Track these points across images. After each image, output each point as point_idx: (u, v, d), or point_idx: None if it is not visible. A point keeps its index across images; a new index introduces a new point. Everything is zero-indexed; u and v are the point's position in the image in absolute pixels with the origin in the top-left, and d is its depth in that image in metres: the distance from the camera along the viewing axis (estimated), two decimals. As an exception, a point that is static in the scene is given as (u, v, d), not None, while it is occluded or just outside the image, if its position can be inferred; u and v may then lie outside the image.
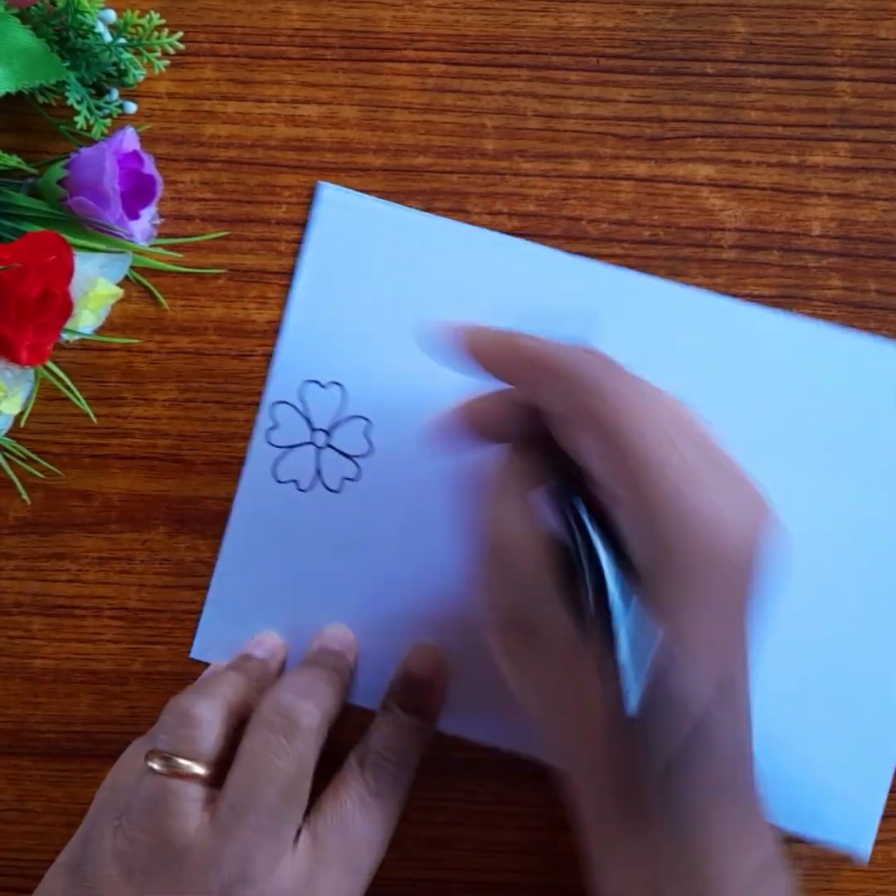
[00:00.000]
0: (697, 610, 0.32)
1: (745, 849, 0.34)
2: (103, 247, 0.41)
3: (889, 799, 0.44)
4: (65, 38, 0.41)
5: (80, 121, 0.42)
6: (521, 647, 0.35)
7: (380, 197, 0.45)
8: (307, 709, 0.37)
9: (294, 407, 0.44)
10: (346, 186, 0.45)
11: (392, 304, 0.44)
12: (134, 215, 0.41)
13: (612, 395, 0.32)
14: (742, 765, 0.34)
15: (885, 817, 0.43)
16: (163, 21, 0.43)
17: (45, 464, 0.43)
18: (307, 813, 0.37)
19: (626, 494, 0.32)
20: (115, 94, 0.44)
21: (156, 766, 0.36)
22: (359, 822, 0.37)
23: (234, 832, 0.35)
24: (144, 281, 0.44)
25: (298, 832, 0.36)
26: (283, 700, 0.37)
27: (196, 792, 0.36)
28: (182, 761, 0.36)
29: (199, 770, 0.36)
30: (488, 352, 0.35)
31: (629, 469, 0.31)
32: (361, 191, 0.45)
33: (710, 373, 0.43)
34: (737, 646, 0.33)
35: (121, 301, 0.43)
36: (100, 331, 0.43)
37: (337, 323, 0.44)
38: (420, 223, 0.44)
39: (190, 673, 0.43)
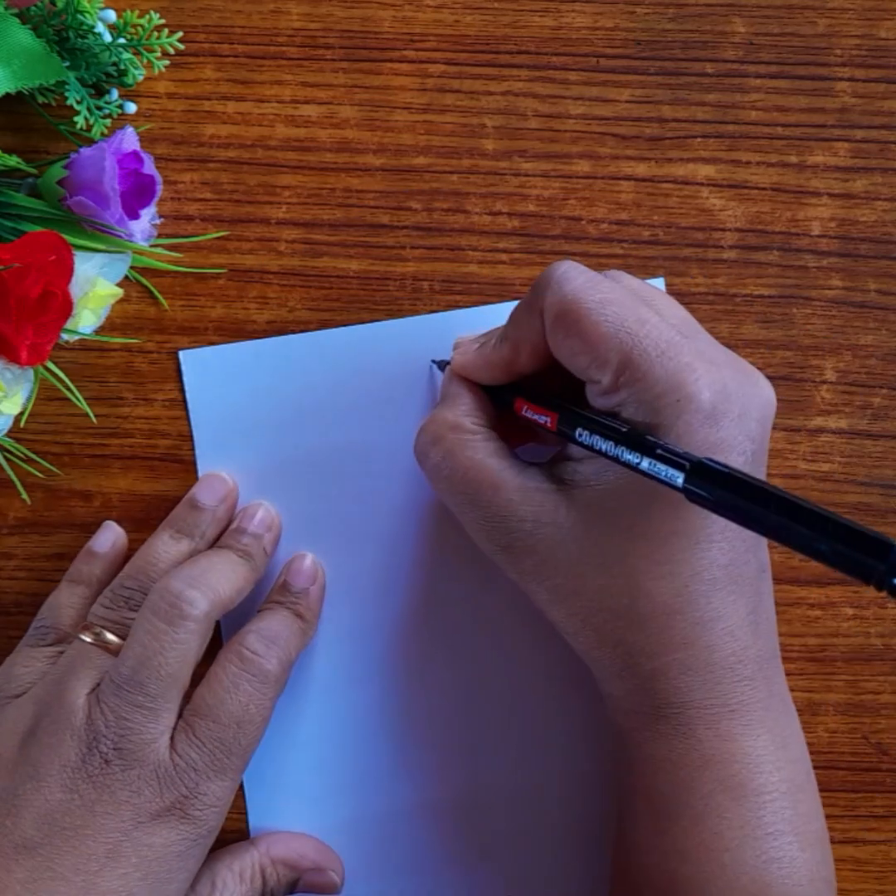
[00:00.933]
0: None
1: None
2: (103, 247, 0.41)
3: (889, 799, 0.44)
4: (64, 38, 0.41)
5: (79, 121, 0.42)
6: (519, 552, 0.38)
7: (379, 197, 0.45)
8: (193, 598, 0.38)
9: None
10: (345, 187, 0.45)
11: (285, 420, 0.44)
12: (134, 215, 0.41)
13: (571, 297, 0.36)
14: None
15: (884, 818, 0.43)
16: (162, 21, 0.43)
17: (45, 464, 0.43)
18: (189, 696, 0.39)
19: (607, 376, 0.36)
20: (114, 94, 0.44)
21: (85, 638, 0.39)
22: (228, 704, 0.38)
23: (111, 704, 0.37)
24: (144, 281, 0.44)
25: (180, 713, 0.38)
26: (172, 587, 0.39)
27: (102, 663, 0.39)
28: (110, 636, 0.39)
29: (118, 640, 0.39)
30: (482, 363, 0.40)
31: (600, 357, 0.36)
32: (361, 191, 0.45)
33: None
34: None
35: (121, 301, 0.43)
36: (100, 331, 0.43)
37: (246, 459, 0.44)
38: (268, 349, 0.44)
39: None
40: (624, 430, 0.35)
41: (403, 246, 0.45)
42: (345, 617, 0.44)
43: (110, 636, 0.39)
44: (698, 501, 0.33)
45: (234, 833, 0.43)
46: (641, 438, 0.34)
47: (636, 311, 0.36)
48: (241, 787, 0.43)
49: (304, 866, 0.42)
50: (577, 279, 0.36)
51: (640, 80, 0.45)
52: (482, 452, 0.38)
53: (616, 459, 0.35)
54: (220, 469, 0.44)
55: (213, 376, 0.44)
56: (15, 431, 0.43)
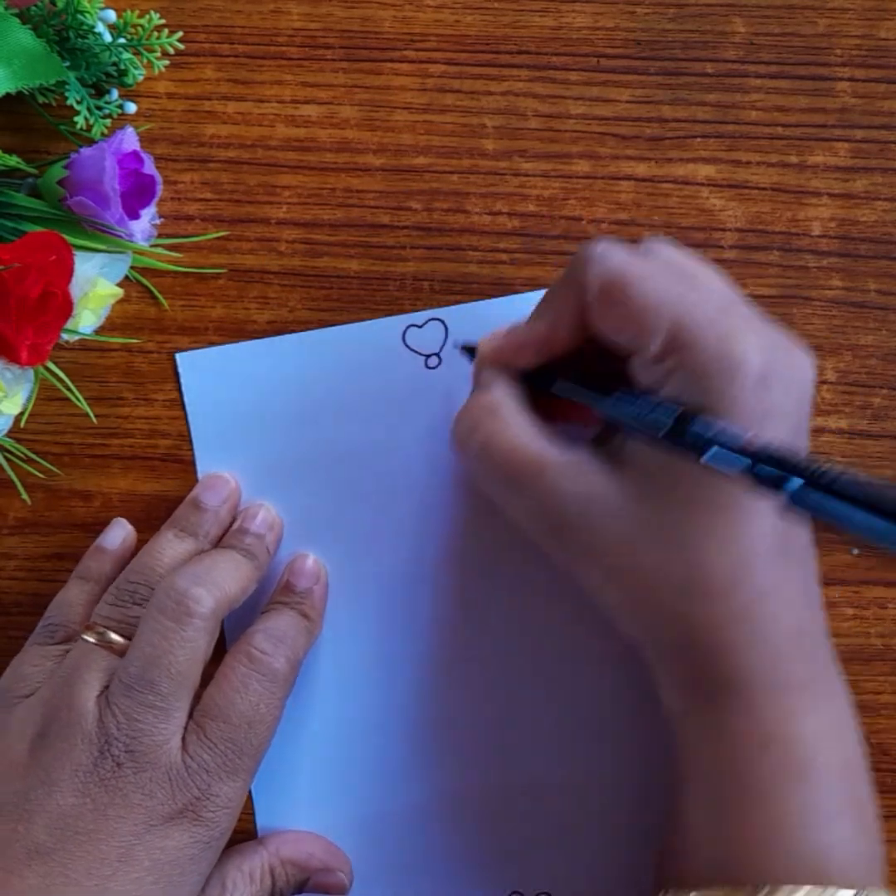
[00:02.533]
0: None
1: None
2: (103, 247, 0.41)
3: (889, 799, 0.44)
4: (65, 38, 0.41)
5: (79, 121, 0.42)
6: (568, 533, 0.37)
7: (379, 197, 0.45)
8: (199, 596, 0.38)
9: None
10: (345, 187, 0.45)
11: (284, 420, 0.44)
12: (134, 215, 0.41)
13: (618, 275, 0.36)
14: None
15: (885, 818, 0.43)
16: (162, 21, 0.43)
17: (45, 464, 0.43)
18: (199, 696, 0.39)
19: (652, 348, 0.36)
20: (114, 94, 0.44)
21: (89, 638, 0.39)
22: (238, 705, 0.38)
23: (122, 706, 0.37)
24: (144, 281, 0.44)
25: (190, 714, 0.38)
26: (178, 585, 0.38)
27: (109, 663, 0.38)
28: (114, 636, 0.39)
29: (122, 640, 0.39)
30: (515, 345, 0.40)
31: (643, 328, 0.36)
32: (361, 191, 0.45)
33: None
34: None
35: (121, 301, 0.43)
36: (100, 331, 0.43)
37: (246, 460, 0.44)
38: (266, 349, 0.44)
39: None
40: (672, 421, 0.35)
41: (403, 246, 0.45)
42: (348, 616, 0.44)
43: (114, 636, 0.39)
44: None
45: (241, 833, 0.43)
46: (689, 429, 0.35)
47: (680, 282, 0.36)
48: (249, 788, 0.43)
49: (313, 866, 0.42)
50: (618, 254, 0.37)
51: (640, 80, 0.45)
52: (523, 435, 0.38)
53: (671, 444, 0.35)
54: (219, 470, 0.44)
55: (211, 378, 0.44)
56: (15, 431, 0.43)
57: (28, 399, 0.42)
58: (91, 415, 0.44)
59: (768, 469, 0.33)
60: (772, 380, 0.35)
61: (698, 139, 0.45)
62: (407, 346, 0.44)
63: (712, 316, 0.36)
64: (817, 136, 0.45)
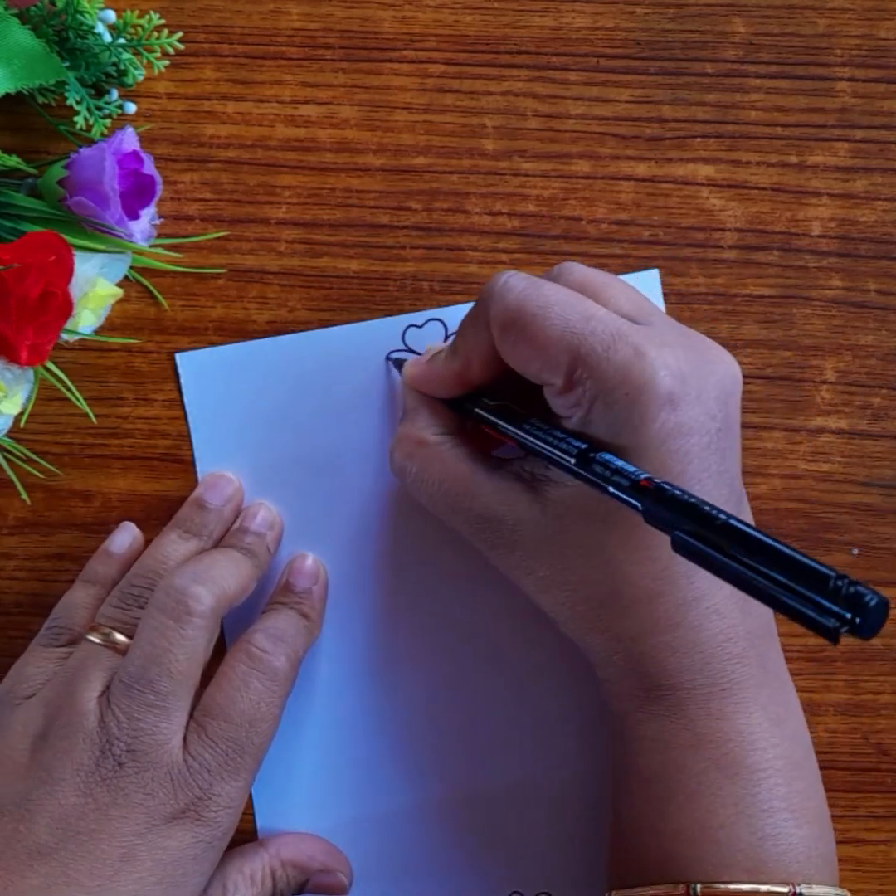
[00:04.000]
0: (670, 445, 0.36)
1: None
2: (103, 247, 0.41)
3: (889, 799, 0.44)
4: (64, 38, 0.41)
5: (79, 121, 0.42)
6: (503, 550, 0.39)
7: (379, 197, 0.45)
8: (198, 594, 0.38)
9: None
10: (345, 187, 0.45)
11: (290, 419, 0.44)
12: (133, 215, 0.41)
13: (519, 308, 0.37)
14: None
15: (884, 818, 0.43)
16: (162, 21, 0.43)
17: (44, 464, 0.43)
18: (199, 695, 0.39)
19: (558, 380, 0.36)
20: (114, 94, 0.43)
21: (94, 639, 0.39)
22: (239, 703, 0.38)
23: (123, 706, 0.37)
24: (144, 281, 0.44)
25: (191, 713, 0.38)
26: (177, 584, 0.39)
27: (112, 663, 0.38)
28: (119, 636, 0.39)
29: (127, 641, 0.39)
30: (433, 376, 0.41)
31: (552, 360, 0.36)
32: (361, 191, 0.45)
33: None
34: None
35: (121, 301, 0.43)
36: (100, 331, 0.43)
37: (245, 459, 0.44)
38: (265, 349, 0.44)
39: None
40: (575, 453, 0.36)
41: (403, 246, 0.45)
42: (347, 616, 0.44)
43: (119, 636, 0.39)
44: (655, 525, 0.33)
45: (242, 834, 0.43)
46: (591, 466, 0.35)
47: (580, 308, 0.36)
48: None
49: (313, 868, 0.42)
50: (517, 286, 0.37)
51: (640, 80, 0.45)
52: (452, 461, 0.39)
53: (578, 476, 0.36)
54: (219, 469, 0.44)
55: (211, 378, 0.44)
56: (15, 431, 0.43)
57: (28, 399, 0.42)
58: (91, 415, 0.44)
59: (659, 511, 0.32)
60: (679, 398, 0.35)
61: (698, 139, 0.45)
62: (406, 346, 0.44)
63: (611, 341, 0.35)
64: (817, 136, 0.45)
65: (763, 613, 0.38)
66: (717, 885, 0.35)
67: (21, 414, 0.42)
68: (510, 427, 0.39)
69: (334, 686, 0.43)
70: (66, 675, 0.39)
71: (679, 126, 0.45)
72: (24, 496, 0.44)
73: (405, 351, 0.44)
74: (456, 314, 0.44)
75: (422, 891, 0.43)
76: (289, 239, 0.45)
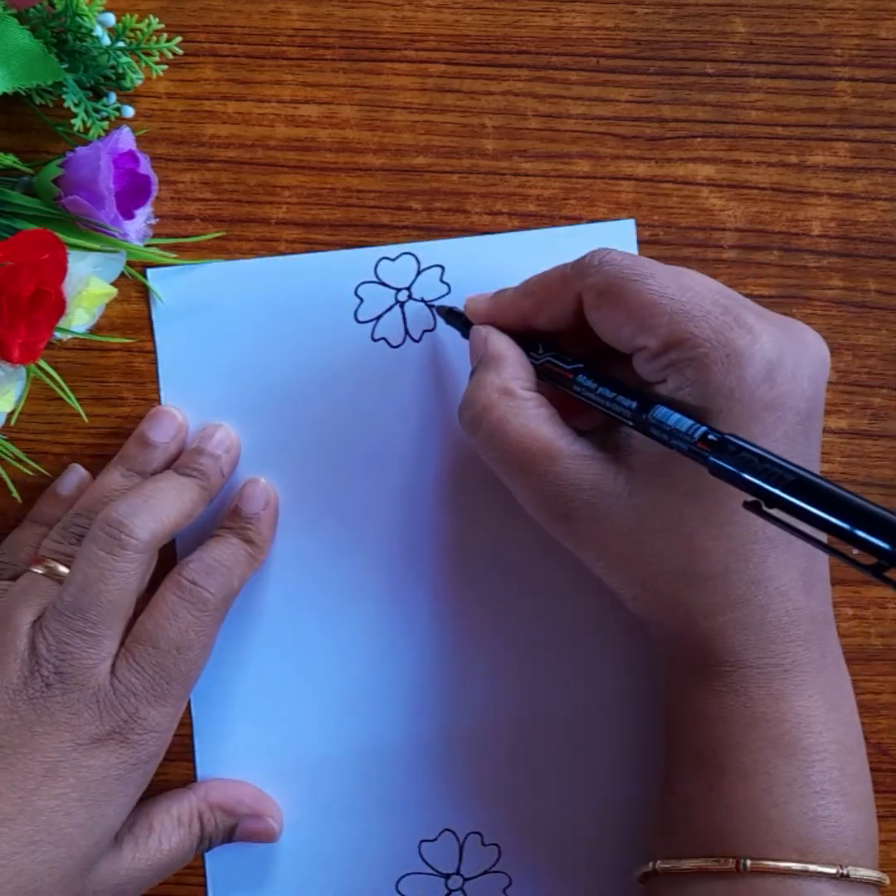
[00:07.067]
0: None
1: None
2: (97, 246, 0.41)
3: (889, 799, 0.44)
4: (63, 40, 0.41)
5: (77, 123, 0.42)
6: (576, 525, 0.38)
7: (379, 197, 0.45)
8: (133, 527, 0.39)
9: None
10: (345, 187, 0.45)
11: (258, 344, 0.44)
12: (128, 215, 0.41)
13: (633, 276, 0.37)
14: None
15: (884, 818, 0.43)
16: (161, 25, 0.43)
17: (32, 464, 0.43)
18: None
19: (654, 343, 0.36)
20: (112, 97, 0.43)
21: (37, 570, 0.40)
22: (167, 631, 0.39)
23: (53, 630, 0.38)
24: (144, 280, 0.44)
25: (122, 642, 0.39)
26: (112, 517, 0.39)
27: (50, 592, 0.39)
28: (61, 568, 0.40)
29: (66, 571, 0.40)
30: (516, 302, 0.40)
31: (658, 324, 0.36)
32: (361, 191, 0.45)
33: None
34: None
35: (120, 301, 0.43)
36: (99, 331, 0.43)
37: (211, 383, 0.44)
38: (240, 270, 0.44)
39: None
40: (634, 406, 0.36)
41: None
42: (293, 553, 0.44)
43: (61, 568, 0.40)
44: (722, 477, 0.34)
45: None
46: (652, 417, 0.36)
47: (679, 280, 0.37)
48: (192, 736, 0.43)
49: (241, 812, 0.42)
50: (618, 258, 0.37)
51: (640, 80, 0.45)
52: (536, 420, 0.38)
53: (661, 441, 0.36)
54: (183, 394, 0.44)
55: (181, 297, 0.44)
56: (14, 431, 0.43)
57: (20, 397, 0.42)
58: (83, 414, 0.43)
59: (720, 463, 0.33)
60: (778, 368, 0.36)
61: (698, 139, 0.45)
62: (378, 278, 0.44)
63: (709, 309, 0.36)
64: (817, 136, 0.45)
65: (824, 599, 0.39)
66: (766, 862, 0.36)
67: (12, 412, 0.42)
68: (589, 380, 0.38)
69: (281, 618, 0.43)
70: (6, 602, 0.39)
71: (679, 126, 0.45)
72: (16, 495, 0.43)
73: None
74: (429, 249, 0.44)
75: (356, 830, 0.43)
76: (289, 239, 0.45)
